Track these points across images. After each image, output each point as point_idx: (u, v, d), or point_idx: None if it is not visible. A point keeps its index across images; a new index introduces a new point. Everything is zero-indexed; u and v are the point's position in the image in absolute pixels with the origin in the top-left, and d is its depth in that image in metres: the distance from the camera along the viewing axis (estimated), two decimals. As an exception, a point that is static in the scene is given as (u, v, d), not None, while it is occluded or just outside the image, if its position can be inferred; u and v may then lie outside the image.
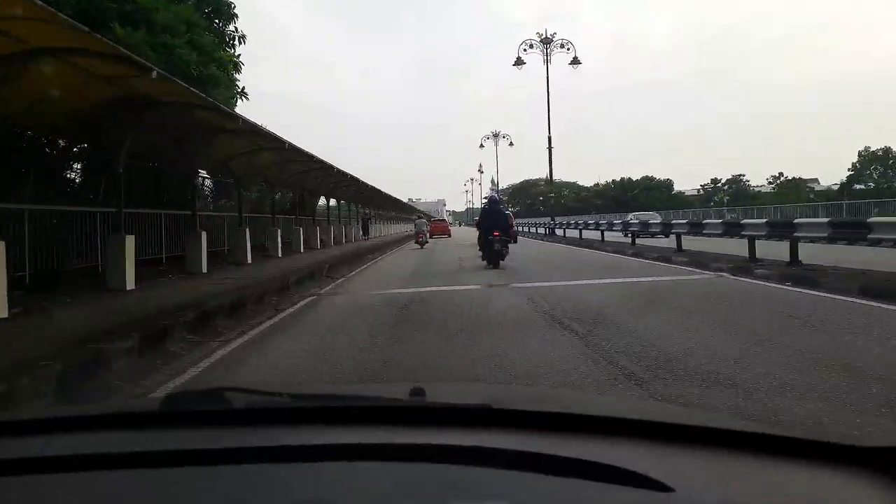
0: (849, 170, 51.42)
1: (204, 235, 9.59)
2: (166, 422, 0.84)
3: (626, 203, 62.37)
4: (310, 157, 12.40)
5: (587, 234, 19.70)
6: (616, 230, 17.64)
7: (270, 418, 0.82)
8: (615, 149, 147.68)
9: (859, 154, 51.05)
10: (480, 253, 10.32)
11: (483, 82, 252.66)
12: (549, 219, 28.64)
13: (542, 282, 7.87)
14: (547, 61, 23.21)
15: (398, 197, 39.10)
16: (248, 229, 11.83)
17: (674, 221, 13.58)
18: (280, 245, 13.52)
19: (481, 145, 46.27)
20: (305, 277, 8.69)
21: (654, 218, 19.75)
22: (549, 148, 24.49)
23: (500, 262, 9.90)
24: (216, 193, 14.72)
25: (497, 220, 10.22)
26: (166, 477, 0.67)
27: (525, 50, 23.50)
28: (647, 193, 66.89)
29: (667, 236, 13.87)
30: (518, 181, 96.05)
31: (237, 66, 11.49)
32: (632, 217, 22.08)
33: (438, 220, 39.76)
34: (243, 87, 11.79)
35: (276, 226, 14.14)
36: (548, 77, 23.17)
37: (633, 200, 62.66)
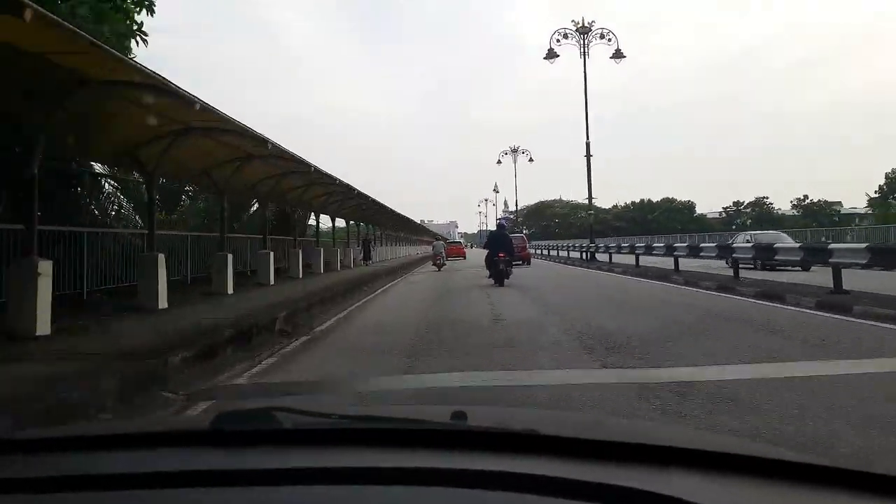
0: (875, 192, 51.09)
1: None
2: (216, 440, 0.85)
3: (646, 225, 62.06)
4: (301, 162, 9.93)
5: (641, 259, 16.04)
6: (706, 256, 12.64)
7: (317, 439, 0.84)
8: (629, 171, 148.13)
9: (886, 176, 50.80)
10: (488, 272, 12.07)
11: (494, 105, 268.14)
12: (571, 241, 28.70)
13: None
14: (584, 53, 20.49)
15: (410, 217, 39.41)
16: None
17: (834, 246, 8.56)
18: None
19: (499, 161, 46.59)
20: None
21: (784, 240, 13.70)
22: (588, 156, 21.29)
23: (505, 280, 11.56)
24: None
25: (503, 244, 11.93)
26: (216, 496, 0.69)
27: (558, 41, 20.65)
28: (668, 215, 66.73)
29: (806, 268, 10.69)
30: (532, 202, 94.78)
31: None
32: (744, 238, 15.38)
33: (454, 242, 43.70)
34: (141, 23, 8.63)
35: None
36: (585, 71, 20.57)
37: (654, 223, 62.57)
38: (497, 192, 73.14)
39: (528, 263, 21.64)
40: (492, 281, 11.58)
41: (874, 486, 0.67)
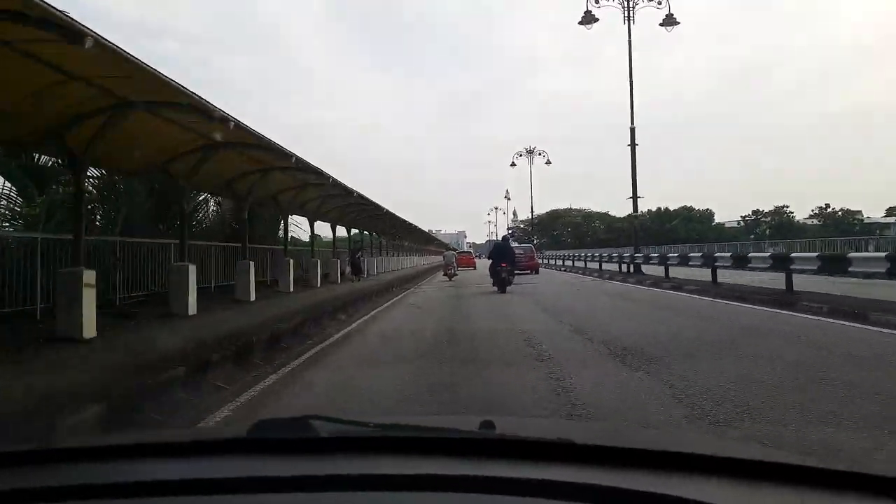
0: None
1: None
2: (256, 448, 0.92)
3: (663, 235, 61.72)
4: (278, 151, 8.50)
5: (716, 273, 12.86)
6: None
7: (354, 447, 0.90)
8: (647, 181, 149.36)
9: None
10: (492, 280, 13.67)
11: (505, 119, 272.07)
12: (595, 251, 28.62)
13: None
14: (628, 17, 17.85)
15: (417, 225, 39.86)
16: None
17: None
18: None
19: (513, 164, 48.29)
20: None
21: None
22: (632, 145, 18.23)
23: (507, 287, 13.20)
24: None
25: (505, 254, 13.69)
26: (256, 502, 0.74)
27: (597, 2, 17.88)
28: (687, 225, 66.69)
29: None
30: (543, 212, 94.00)
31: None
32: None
33: (464, 252, 46.99)
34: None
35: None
36: (630, 35, 18.11)
37: (672, 232, 62.30)
38: (508, 199, 74.11)
39: (536, 272, 24.70)
40: (496, 289, 13.18)
41: None
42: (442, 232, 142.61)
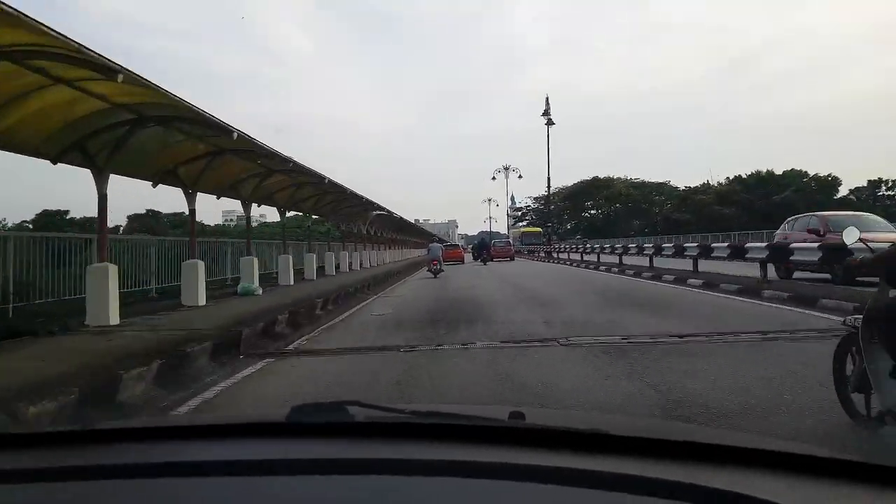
0: None
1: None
2: (293, 432, 1.42)
3: (769, 211, 56.47)
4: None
5: None
6: None
7: (388, 432, 1.35)
8: (726, 139, 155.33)
9: None
10: (478, 260, 43.44)
11: (498, 108, 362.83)
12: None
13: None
14: None
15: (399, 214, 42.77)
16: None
17: None
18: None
19: (493, 178, 77.82)
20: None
21: None
22: None
23: (485, 263, 38.97)
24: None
25: (485, 247, 44.49)
26: (292, 484, 1.13)
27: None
28: (804, 197, 61.00)
29: None
30: (569, 183, 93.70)
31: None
32: None
33: (452, 245, 53.31)
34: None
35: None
36: None
37: (783, 206, 54.56)
38: (508, 168, 79.71)
39: (512, 259, 48.10)
40: (480, 263, 40.51)
41: None
42: (430, 222, 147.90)
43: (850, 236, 4.76)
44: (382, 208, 32.95)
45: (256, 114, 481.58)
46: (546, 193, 66.70)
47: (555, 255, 47.58)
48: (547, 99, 56.89)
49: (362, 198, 26.22)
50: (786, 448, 1.22)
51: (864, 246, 4.73)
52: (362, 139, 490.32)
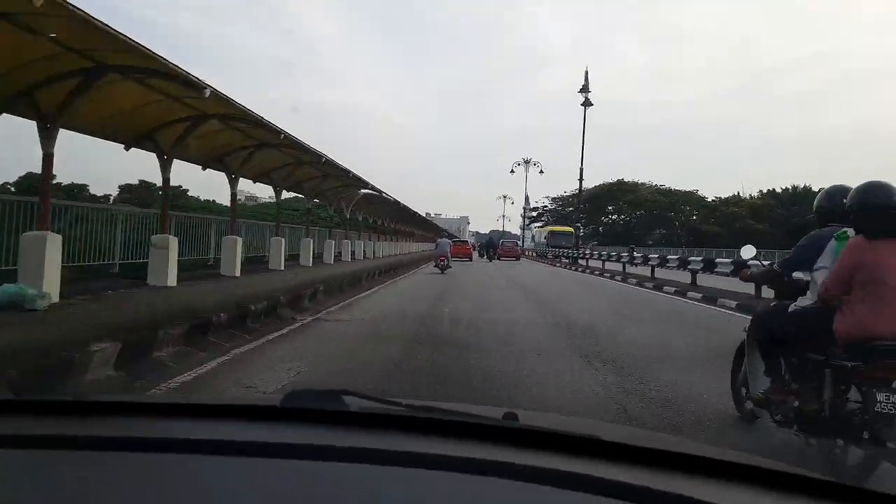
0: None
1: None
2: (288, 416, 1.46)
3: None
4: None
5: None
6: None
7: (381, 423, 1.39)
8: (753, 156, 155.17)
9: None
10: (484, 257, 53.81)
11: (517, 107, 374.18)
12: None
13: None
14: None
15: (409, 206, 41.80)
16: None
17: None
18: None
19: (512, 171, 75.56)
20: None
21: None
22: None
23: (490, 260, 50.06)
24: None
25: (492, 245, 56.70)
26: (282, 467, 1.17)
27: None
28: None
29: None
30: (592, 186, 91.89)
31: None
32: None
33: (460, 241, 55.00)
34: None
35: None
36: None
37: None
38: (529, 162, 77.23)
39: (518, 259, 55.23)
40: (486, 259, 51.28)
41: None
42: (442, 216, 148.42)
43: (748, 253, 5.97)
44: (390, 197, 32.63)
45: (279, 98, 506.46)
46: (579, 183, 54.76)
47: (582, 261, 42.99)
48: (586, 74, 49.82)
49: (367, 183, 25.36)
50: (775, 466, 1.27)
51: (758, 262, 6.20)
52: (382, 128, 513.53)
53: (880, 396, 3.84)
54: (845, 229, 4.41)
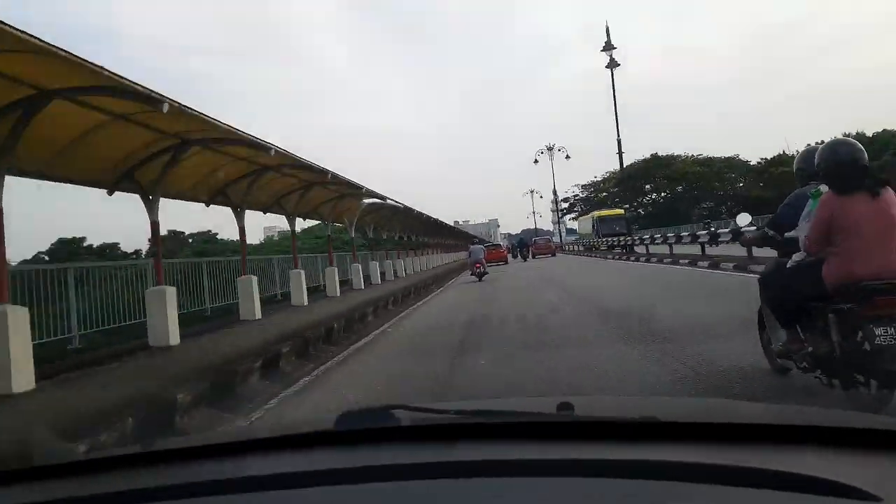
0: None
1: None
2: (341, 440, 1.52)
3: None
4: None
5: None
6: None
7: (436, 434, 1.46)
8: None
9: None
10: (518, 257, 56.89)
11: (536, 99, 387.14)
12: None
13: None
14: None
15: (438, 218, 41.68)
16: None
17: None
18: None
19: (535, 160, 74.79)
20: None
21: None
22: None
23: (525, 259, 53.73)
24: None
25: (525, 245, 60.17)
26: (344, 494, 1.20)
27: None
28: None
29: None
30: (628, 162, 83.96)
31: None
32: None
33: (493, 245, 54.71)
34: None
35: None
36: None
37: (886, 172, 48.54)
38: (552, 148, 74.79)
39: (554, 255, 56.88)
40: (520, 258, 54.55)
41: None
42: (470, 223, 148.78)
43: (743, 220, 6.82)
44: (422, 214, 33.16)
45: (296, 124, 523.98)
46: (619, 158, 48.58)
47: (637, 249, 37.50)
48: (607, 29, 46.03)
49: (388, 199, 24.38)
50: (844, 422, 1.30)
51: (754, 227, 7.16)
52: (397, 141, 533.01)
53: (878, 331, 4.31)
54: (819, 187, 4.96)
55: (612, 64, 45.12)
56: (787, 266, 5.33)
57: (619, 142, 44.56)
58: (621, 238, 44.45)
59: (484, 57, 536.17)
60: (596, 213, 63.01)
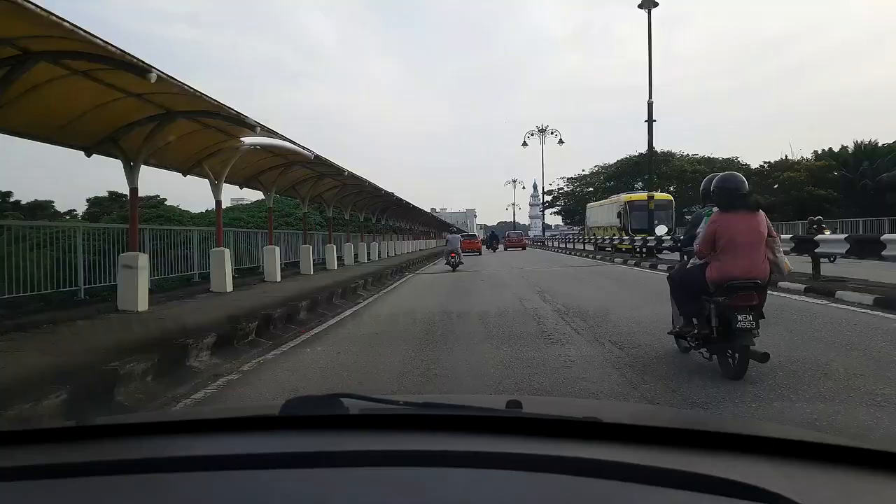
0: None
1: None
2: (287, 425, 1.57)
3: (876, 194, 48.56)
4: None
5: None
6: None
7: (383, 424, 1.51)
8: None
9: None
10: (489, 248, 59.95)
11: (521, 95, 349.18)
12: None
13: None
14: None
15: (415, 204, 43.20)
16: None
17: None
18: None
19: (524, 143, 75.00)
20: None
21: None
22: None
23: (494, 251, 57.33)
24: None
25: (495, 238, 65.52)
26: (286, 477, 1.23)
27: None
28: None
29: None
30: (614, 159, 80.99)
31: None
32: None
33: (468, 235, 55.91)
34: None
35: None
36: None
37: None
38: (544, 131, 73.76)
39: (524, 248, 66.29)
40: (491, 250, 58.16)
41: None
42: (447, 211, 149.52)
43: (660, 231, 11.34)
44: (391, 195, 33.35)
45: (289, 102, 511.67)
46: (648, 127, 29.80)
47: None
48: None
49: (365, 181, 25.88)
50: (780, 434, 1.41)
51: (669, 237, 11.46)
52: (381, 126, 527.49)
53: (740, 317, 5.98)
54: (713, 208, 6.68)
55: (649, 3, 30.52)
56: (687, 267, 7.06)
57: (649, 104, 30.82)
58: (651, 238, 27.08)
59: (473, 45, 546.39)
60: (625, 196, 45.22)
